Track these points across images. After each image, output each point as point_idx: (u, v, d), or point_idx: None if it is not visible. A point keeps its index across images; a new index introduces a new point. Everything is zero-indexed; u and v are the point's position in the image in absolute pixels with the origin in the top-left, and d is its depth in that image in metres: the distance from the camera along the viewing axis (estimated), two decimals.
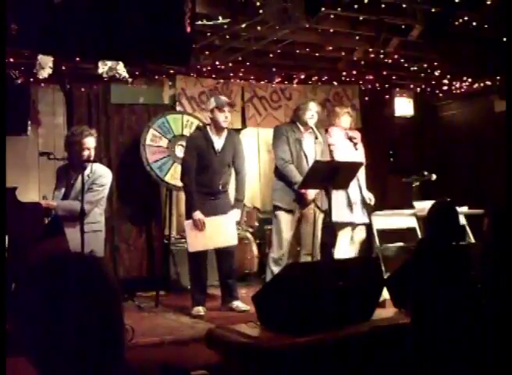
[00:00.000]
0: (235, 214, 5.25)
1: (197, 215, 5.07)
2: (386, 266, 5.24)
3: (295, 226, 5.44)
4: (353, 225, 5.64)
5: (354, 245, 5.73)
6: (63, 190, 4.64)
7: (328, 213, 4.93)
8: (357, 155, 5.70)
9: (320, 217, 5.41)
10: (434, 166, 6.97)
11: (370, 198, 5.71)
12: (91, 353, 1.18)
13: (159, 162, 6.30)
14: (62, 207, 4.49)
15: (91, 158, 4.52)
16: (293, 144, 5.38)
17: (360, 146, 5.81)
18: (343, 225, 5.61)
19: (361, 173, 5.70)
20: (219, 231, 5.11)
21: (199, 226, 5.06)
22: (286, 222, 5.37)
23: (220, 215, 5.16)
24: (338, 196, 5.45)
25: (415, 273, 3.38)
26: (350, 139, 5.77)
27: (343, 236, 5.64)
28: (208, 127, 5.30)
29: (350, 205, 5.56)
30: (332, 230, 5.36)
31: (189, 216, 5.17)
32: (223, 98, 5.34)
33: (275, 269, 5.31)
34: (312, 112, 5.40)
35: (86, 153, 4.52)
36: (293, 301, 3.28)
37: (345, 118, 5.80)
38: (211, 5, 5.06)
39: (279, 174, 5.42)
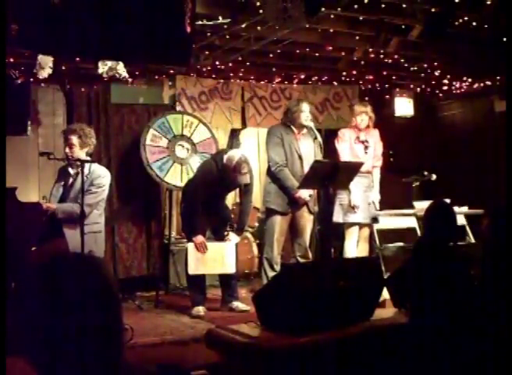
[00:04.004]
0: (235, 239, 5.34)
1: (199, 238, 5.13)
2: (386, 266, 5.25)
3: (288, 228, 5.45)
4: (359, 225, 5.62)
5: (363, 245, 5.70)
6: (61, 189, 4.64)
7: (327, 214, 4.92)
8: (366, 159, 5.51)
9: (310, 219, 5.41)
10: (434, 166, 6.97)
11: (374, 201, 5.64)
12: (90, 353, 1.18)
13: (159, 162, 6.30)
14: (62, 210, 4.48)
15: (72, 156, 4.53)
16: (287, 146, 5.37)
17: (371, 150, 5.66)
18: (348, 225, 5.59)
19: (376, 174, 5.70)
20: (219, 258, 5.21)
21: (201, 249, 5.12)
22: (279, 224, 5.38)
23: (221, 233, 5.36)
24: (341, 197, 5.45)
25: (414, 273, 3.38)
26: (362, 142, 5.64)
27: (349, 236, 5.62)
28: (223, 167, 5.11)
29: (351, 206, 5.50)
30: (331, 230, 5.35)
31: (189, 238, 5.23)
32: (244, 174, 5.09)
33: (269, 270, 5.33)
34: (307, 113, 5.36)
35: (67, 150, 4.56)
36: (293, 301, 3.27)
37: (361, 117, 5.60)
38: (211, 5, 5.06)
39: (273, 177, 5.40)
